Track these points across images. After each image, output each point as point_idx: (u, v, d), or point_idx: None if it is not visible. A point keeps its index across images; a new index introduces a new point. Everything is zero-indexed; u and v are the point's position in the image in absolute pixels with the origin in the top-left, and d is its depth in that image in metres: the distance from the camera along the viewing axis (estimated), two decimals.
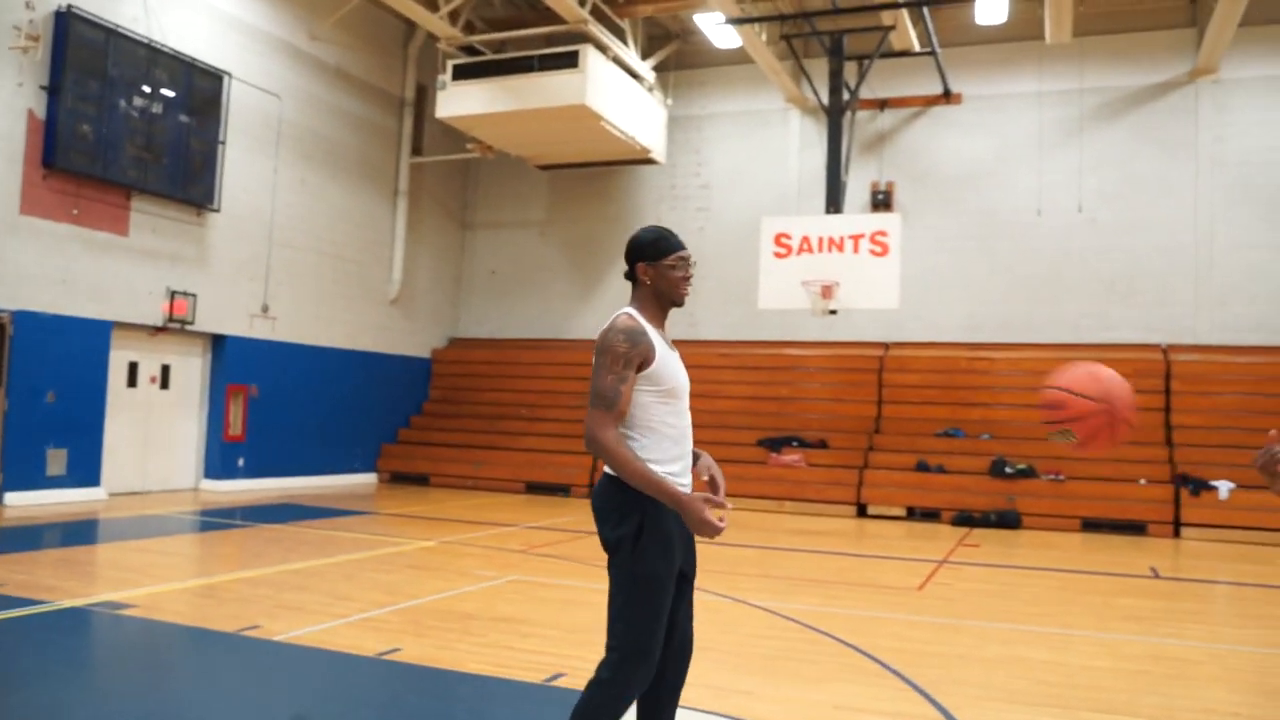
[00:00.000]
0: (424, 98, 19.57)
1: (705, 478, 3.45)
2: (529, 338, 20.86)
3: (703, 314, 19.59)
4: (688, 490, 3.29)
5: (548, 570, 9.22)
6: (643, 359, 3.24)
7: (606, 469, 3.28)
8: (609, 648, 3.21)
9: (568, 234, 20.99)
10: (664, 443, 3.28)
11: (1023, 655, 6.48)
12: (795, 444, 17.09)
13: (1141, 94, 17.62)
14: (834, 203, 15.94)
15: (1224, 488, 14.37)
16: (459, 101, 16.61)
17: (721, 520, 3.09)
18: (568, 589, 8.22)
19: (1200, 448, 15.44)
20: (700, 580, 8.75)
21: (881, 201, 18.09)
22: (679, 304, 3.43)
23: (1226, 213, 17.03)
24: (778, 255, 15.18)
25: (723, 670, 5.76)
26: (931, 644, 6.73)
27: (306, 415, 17.22)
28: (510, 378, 20.12)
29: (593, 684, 3.21)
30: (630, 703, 3.21)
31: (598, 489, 3.31)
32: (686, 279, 3.41)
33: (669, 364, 3.32)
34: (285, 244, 16.78)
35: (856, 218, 15.67)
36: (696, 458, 3.49)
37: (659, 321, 3.41)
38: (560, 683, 5.33)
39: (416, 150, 19.78)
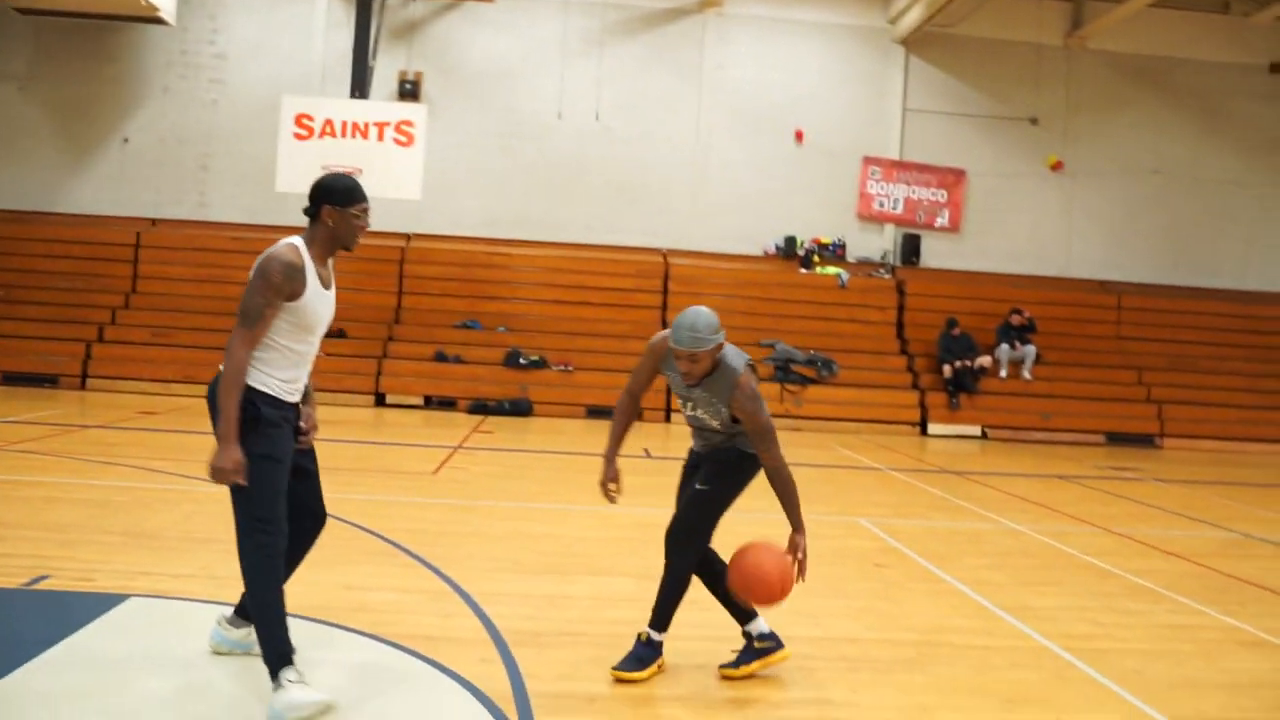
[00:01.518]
0: None
1: (302, 422, 3.87)
2: (7, 208, 18.19)
3: (214, 195, 18.29)
4: (293, 399, 3.75)
5: (28, 467, 8.30)
6: (292, 293, 3.60)
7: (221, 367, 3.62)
8: (240, 531, 3.66)
9: (56, 94, 18.38)
10: (279, 360, 3.68)
11: (527, 530, 6.96)
12: None
13: (657, 16, 18.91)
14: (360, 88, 15.49)
15: None
16: None
17: (237, 473, 3.50)
18: (51, 485, 7.47)
19: None
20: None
21: (409, 92, 17.86)
22: (350, 250, 3.79)
23: (720, 135, 18.92)
24: (299, 137, 14.54)
25: (228, 560, 5.55)
26: (444, 524, 7.02)
27: None
28: None
29: (242, 560, 3.66)
30: (272, 564, 3.62)
31: (213, 385, 3.64)
32: (363, 229, 3.78)
33: (315, 302, 3.68)
34: None
35: (383, 105, 15.41)
36: (306, 396, 3.92)
37: (323, 259, 3.76)
38: (45, 585, 4.89)
39: None
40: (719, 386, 4.09)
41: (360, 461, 9.99)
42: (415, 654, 4.19)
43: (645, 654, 4.11)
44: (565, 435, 13.27)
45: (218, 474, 3.52)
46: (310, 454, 3.93)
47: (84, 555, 5.50)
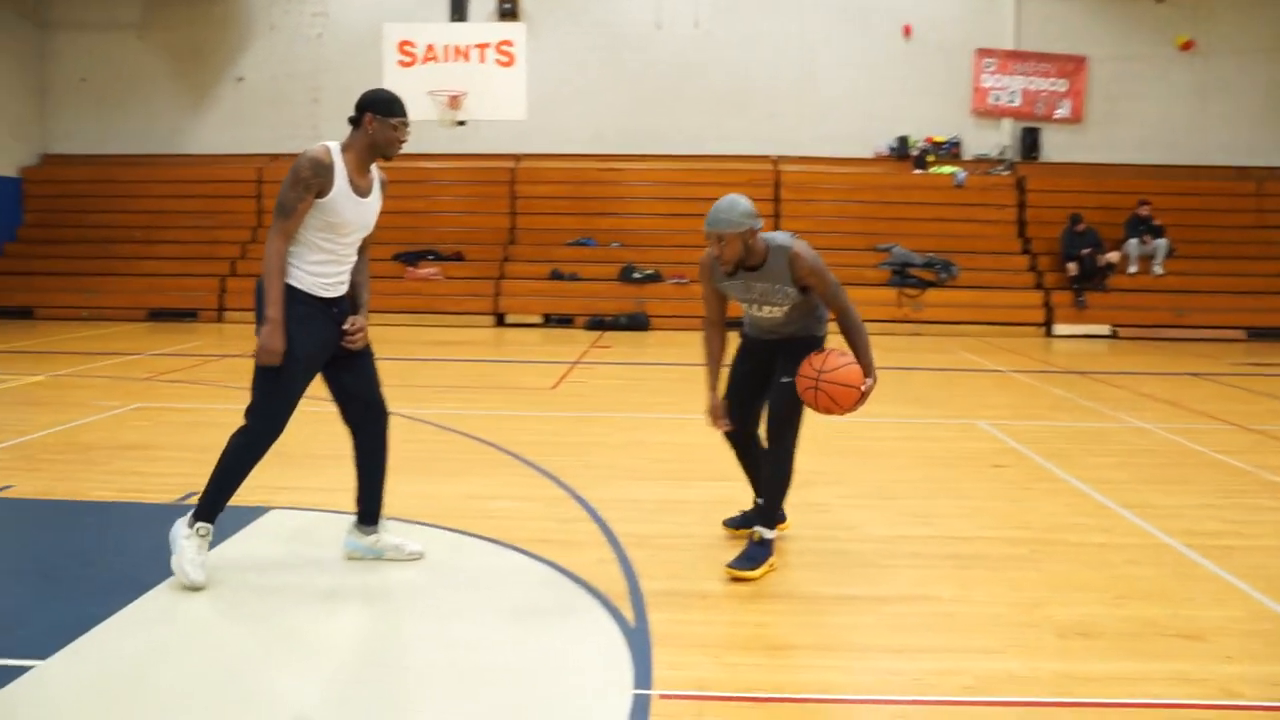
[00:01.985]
0: None
1: (347, 325, 4.09)
2: (136, 153, 19.00)
3: (326, 127, 18.63)
4: (326, 294, 3.97)
5: (175, 395, 8.84)
6: (320, 189, 3.84)
7: None
8: (246, 410, 3.98)
9: (170, 38, 18.99)
10: (313, 254, 3.92)
11: (644, 439, 7.13)
12: (432, 257, 17.08)
13: None
14: (459, 10, 15.58)
15: None
16: None
17: (277, 356, 3.80)
18: (197, 411, 7.95)
19: None
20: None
21: (508, 11, 17.79)
22: (389, 158, 4.00)
23: (825, 34, 18.40)
24: (402, 64, 14.75)
25: (352, 475, 5.90)
26: (563, 435, 7.23)
27: None
28: (119, 197, 18.35)
29: (234, 434, 3.97)
30: (258, 453, 3.97)
31: (259, 282, 3.88)
32: (401, 140, 3.98)
33: (343, 202, 3.89)
34: None
35: (482, 26, 15.49)
36: (357, 303, 4.16)
37: (361, 167, 3.98)
38: (194, 500, 5.26)
39: None
40: (776, 267, 4.15)
41: (481, 379, 10.31)
42: (535, 556, 4.39)
43: (757, 553, 4.23)
44: (682, 348, 13.38)
45: (262, 353, 3.82)
46: (363, 351, 4.15)
47: None
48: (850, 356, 4.18)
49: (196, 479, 5.61)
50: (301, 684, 3.20)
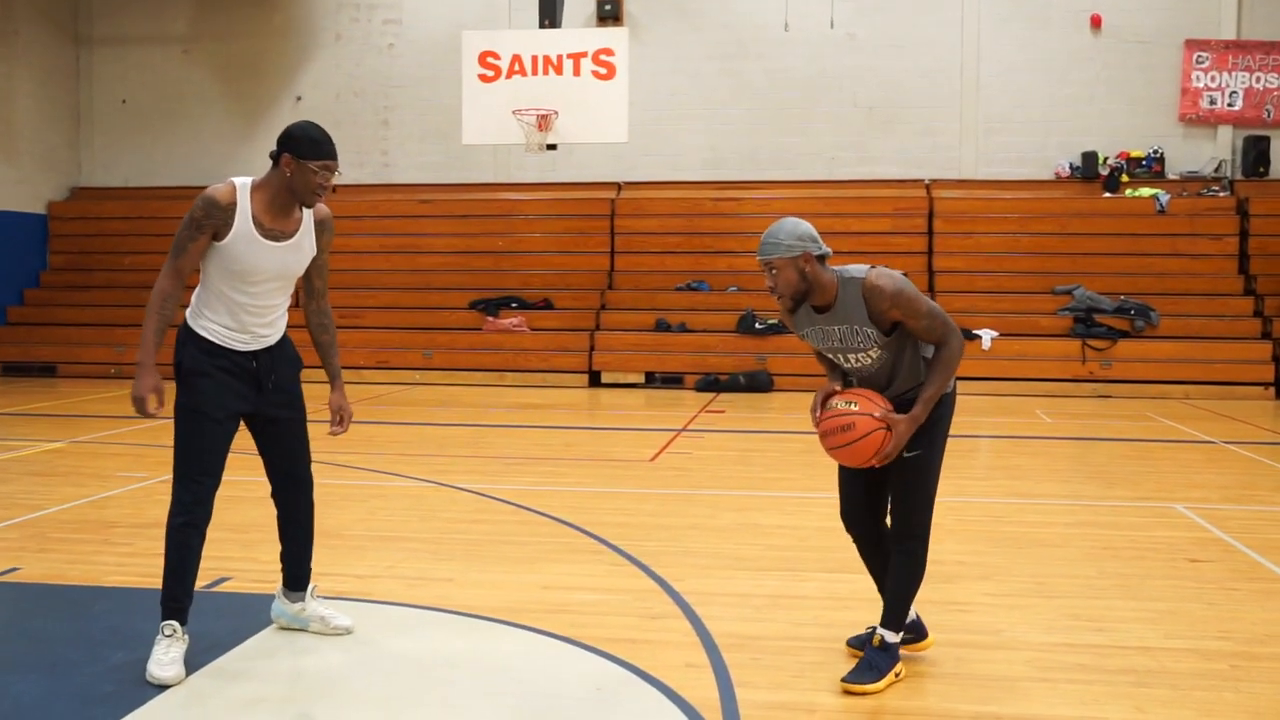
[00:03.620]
0: None
1: (334, 416, 4.61)
2: (178, 185, 19.95)
3: (397, 153, 19.42)
4: (240, 348, 4.29)
5: None
6: (215, 230, 4.12)
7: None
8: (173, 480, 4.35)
9: (221, 53, 20.05)
10: (217, 305, 4.25)
11: (756, 522, 7.16)
12: (515, 305, 17.46)
13: None
14: (550, 15, 16.01)
15: (987, 336, 15.94)
16: None
17: (156, 410, 4.16)
18: (233, 484, 8.18)
19: (963, 294, 16.95)
20: (399, 465, 9.06)
21: (609, 14, 18.30)
22: (308, 206, 4.27)
23: (993, 31, 18.37)
24: (484, 79, 15.20)
25: (419, 559, 6.09)
26: (658, 516, 7.31)
27: None
28: (157, 236, 19.13)
29: (169, 514, 4.32)
30: (194, 525, 4.30)
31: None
32: (323, 187, 4.20)
33: (243, 247, 4.14)
34: None
35: (577, 32, 15.85)
36: (335, 379, 4.67)
37: (277, 209, 4.21)
38: (225, 587, 5.50)
39: None
40: (849, 304, 4.10)
41: (568, 449, 10.47)
42: (613, 658, 4.46)
43: (879, 661, 4.22)
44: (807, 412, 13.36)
45: (133, 402, 4.16)
46: (290, 413, 4.48)
47: (264, 556, 6.08)
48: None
49: (229, 562, 5.91)
50: None
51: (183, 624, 4.27)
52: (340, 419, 4.59)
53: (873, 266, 4.15)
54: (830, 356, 4.37)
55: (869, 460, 4.14)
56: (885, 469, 4.26)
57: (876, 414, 4.11)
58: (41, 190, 19.64)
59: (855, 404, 4.16)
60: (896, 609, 4.30)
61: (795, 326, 4.37)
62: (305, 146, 4.13)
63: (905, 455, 4.19)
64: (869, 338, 4.11)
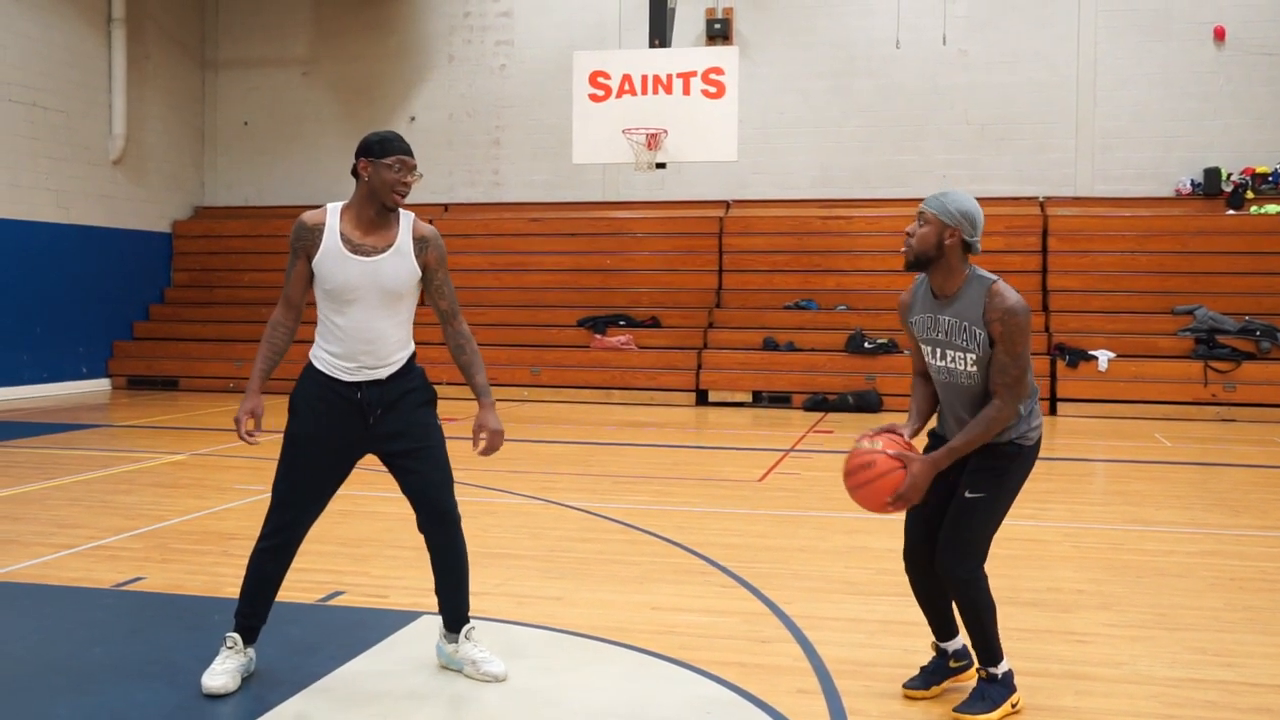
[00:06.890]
0: None
1: (479, 433, 4.51)
2: (296, 204, 20.41)
3: (508, 171, 19.62)
4: (347, 377, 4.31)
5: None
6: (306, 252, 4.23)
7: None
8: None
9: (339, 74, 20.50)
10: (326, 333, 4.33)
11: (868, 545, 7.06)
12: (623, 323, 17.52)
13: None
14: (660, 34, 16.07)
15: (1103, 358, 15.58)
16: None
17: (252, 435, 4.32)
18: (350, 499, 8.37)
19: (1079, 314, 16.62)
20: (509, 482, 9.11)
21: (718, 32, 18.32)
22: (390, 207, 4.21)
23: (1110, 45, 18.00)
24: (594, 99, 15.29)
25: (529, 577, 6.12)
26: (768, 538, 7.26)
27: (6, 311, 16.51)
28: (275, 254, 19.65)
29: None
30: (265, 548, 4.39)
31: None
32: (402, 183, 4.18)
33: (330, 263, 4.20)
34: None
35: (687, 52, 15.87)
36: (480, 397, 4.53)
37: (365, 223, 4.23)
38: (338, 601, 5.58)
39: None
40: (970, 298, 4.03)
41: (675, 468, 10.46)
42: (722, 681, 4.43)
43: (991, 691, 4.12)
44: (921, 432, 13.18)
45: (233, 422, 4.33)
46: (411, 445, 4.44)
47: (377, 571, 6.20)
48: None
49: (344, 576, 6.01)
50: None
51: (247, 641, 4.38)
52: (484, 438, 4.49)
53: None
54: (926, 355, 4.26)
55: (885, 502, 4.10)
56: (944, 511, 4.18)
57: (892, 452, 4.10)
58: (167, 210, 20.22)
59: (879, 443, 4.15)
60: (979, 645, 4.17)
61: (907, 311, 4.32)
62: (376, 147, 4.19)
63: (968, 495, 4.10)
64: (974, 337, 4.03)
